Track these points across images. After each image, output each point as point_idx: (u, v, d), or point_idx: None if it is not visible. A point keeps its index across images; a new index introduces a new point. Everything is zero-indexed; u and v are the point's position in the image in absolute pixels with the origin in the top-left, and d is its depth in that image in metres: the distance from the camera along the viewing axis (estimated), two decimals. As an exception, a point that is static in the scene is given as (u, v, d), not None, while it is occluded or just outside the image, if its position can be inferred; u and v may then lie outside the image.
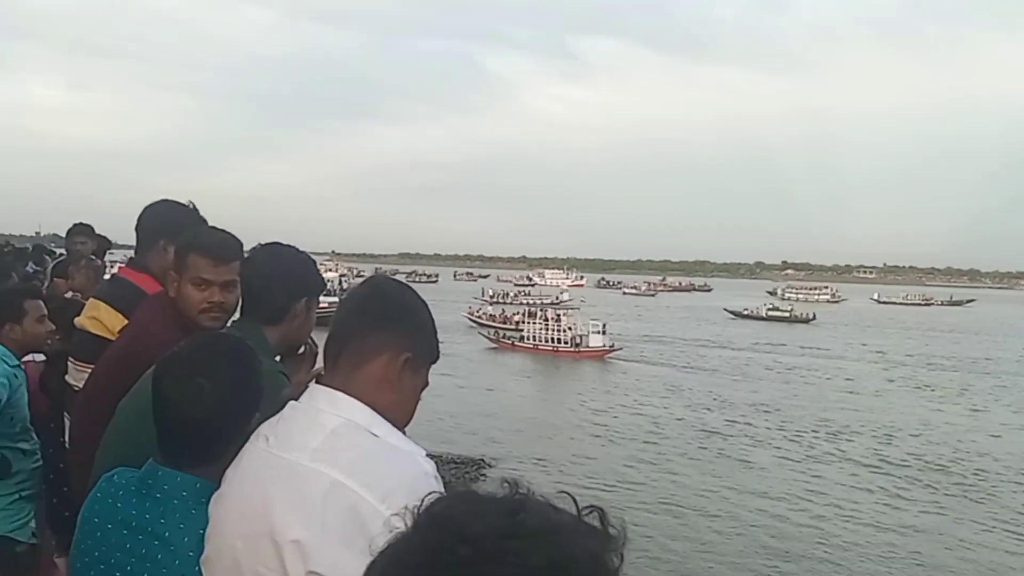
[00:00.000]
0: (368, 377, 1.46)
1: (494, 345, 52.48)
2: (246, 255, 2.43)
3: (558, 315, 53.97)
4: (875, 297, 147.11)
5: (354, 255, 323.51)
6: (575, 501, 0.74)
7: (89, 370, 2.85)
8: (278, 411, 1.55)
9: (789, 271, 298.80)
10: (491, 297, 66.99)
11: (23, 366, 3.47)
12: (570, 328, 50.64)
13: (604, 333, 50.22)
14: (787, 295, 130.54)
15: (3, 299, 3.62)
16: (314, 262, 2.44)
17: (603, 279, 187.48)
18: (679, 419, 31.56)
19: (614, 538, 0.72)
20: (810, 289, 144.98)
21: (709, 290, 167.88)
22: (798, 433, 29.83)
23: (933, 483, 24.01)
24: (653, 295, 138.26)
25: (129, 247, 3.23)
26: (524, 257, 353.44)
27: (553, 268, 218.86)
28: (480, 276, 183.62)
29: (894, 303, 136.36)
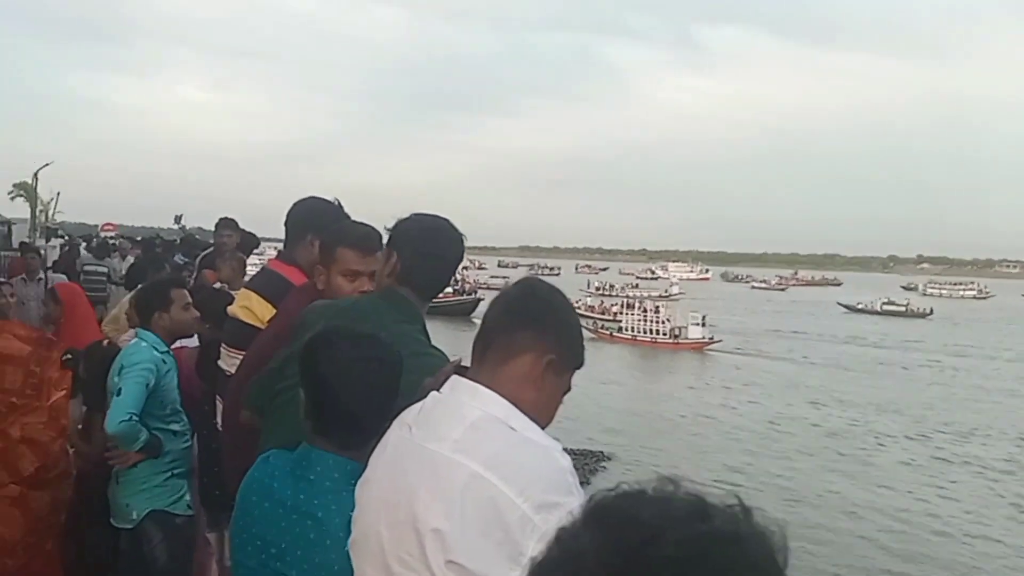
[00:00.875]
0: (512, 374, 1.49)
1: (592, 336, 51.14)
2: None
3: (656, 307, 53.42)
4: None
5: (475, 248, 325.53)
6: (742, 503, 0.74)
7: (240, 356, 3.01)
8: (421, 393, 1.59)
9: (924, 265, 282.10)
10: (596, 289, 66.08)
11: (172, 352, 3.65)
12: (668, 320, 50.30)
13: (703, 325, 49.40)
14: (928, 291, 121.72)
15: (152, 289, 3.80)
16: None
17: (730, 272, 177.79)
18: (789, 415, 30.52)
19: (782, 540, 0.72)
20: (954, 284, 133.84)
21: (839, 284, 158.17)
22: (921, 434, 28.21)
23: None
24: (783, 289, 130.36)
25: (273, 240, 3.37)
26: (644, 250, 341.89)
27: (675, 261, 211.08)
28: (600, 269, 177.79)
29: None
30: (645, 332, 50.63)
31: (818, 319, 70.23)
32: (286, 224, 3.13)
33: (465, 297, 62.76)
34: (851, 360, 45.39)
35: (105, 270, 11.41)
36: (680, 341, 48.66)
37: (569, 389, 1.58)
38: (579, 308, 61.95)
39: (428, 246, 2.24)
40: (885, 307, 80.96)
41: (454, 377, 1.54)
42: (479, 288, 74.66)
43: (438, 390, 1.54)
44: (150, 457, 3.43)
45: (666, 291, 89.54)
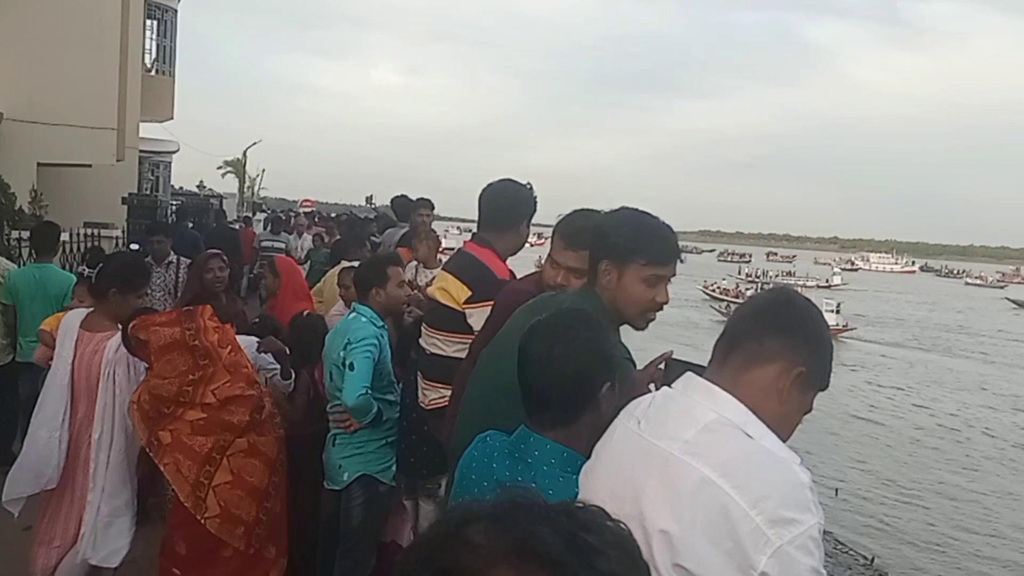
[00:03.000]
0: (757, 381, 1.43)
1: (722, 318, 50.18)
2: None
3: None
4: None
5: None
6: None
7: (438, 335, 3.12)
8: (625, 396, 1.57)
9: None
10: (747, 276, 63.78)
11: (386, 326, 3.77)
12: None
13: (838, 312, 48.74)
14: None
15: (370, 266, 3.90)
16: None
17: (943, 266, 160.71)
18: (934, 408, 29.72)
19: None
20: None
21: None
22: None
23: None
24: (1003, 287, 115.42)
25: (457, 220, 3.36)
26: (836, 238, 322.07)
27: (872, 251, 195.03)
28: (790, 257, 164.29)
29: None
30: None
31: (994, 315, 68.28)
32: (481, 206, 3.14)
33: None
34: (977, 348, 46.88)
35: (282, 245, 11.90)
36: None
37: (811, 409, 1.50)
38: (714, 291, 62.98)
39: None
40: None
41: (688, 375, 1.51)
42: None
43: (651, 384, 1.53)
44: (372, 425, 3.62)
45: (827, 281, 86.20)
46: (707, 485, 1.30)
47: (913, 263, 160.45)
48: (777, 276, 69.22)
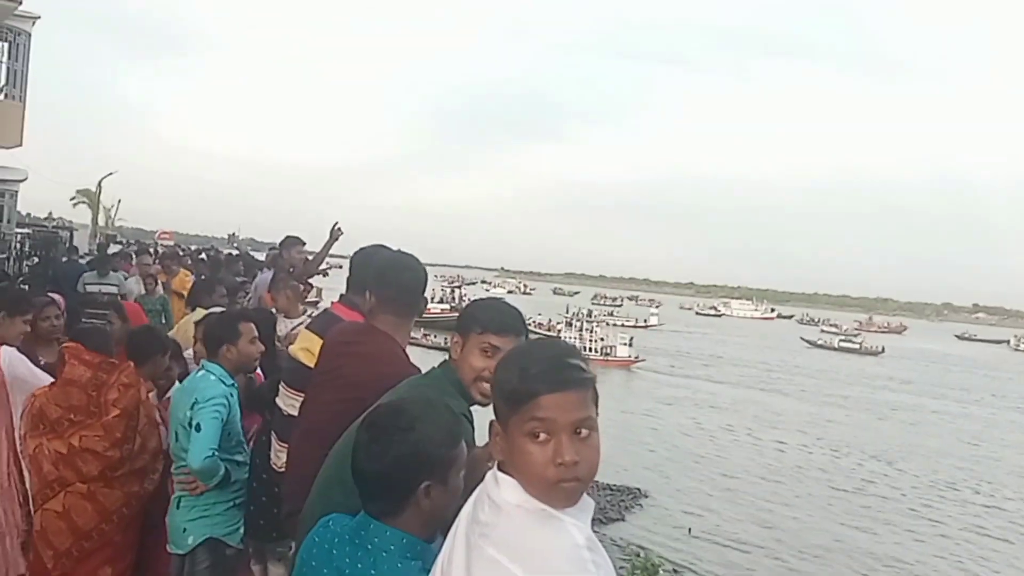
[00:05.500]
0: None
1: None
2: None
3: (592, 327, 60.39)
4: None
5: (521, 272, 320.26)
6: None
7: (299, 397, 2.98)
8: (471, 478, 1.62)
9: (980, 314, 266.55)
10: (573, 315, 66.82)
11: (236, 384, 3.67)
12: (602, 339, 57.49)
13: (630, 346, 56.92)
14: (1022, 346, 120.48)
15: (221, 322, 3.83)
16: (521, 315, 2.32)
17: (806, 315, 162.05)
18: (694, 425, 34.98)
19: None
20: None
21: (902, 332, 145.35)
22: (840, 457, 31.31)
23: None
24: (856, 335, 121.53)
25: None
26: (692, 283, 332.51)
27: (723, 296, 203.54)
28: (656, 304, 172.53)
29: None
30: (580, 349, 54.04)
31: (781, 352, 77.13)
32: (351, 268, 3.12)
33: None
34: (758, 377, 54.78)
35: (114, 289, 8.72)
36: (609, 358, 54.49)
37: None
38: (529, 324, 64.03)
39: (391, 276, 2.62)
40: (842, 344, 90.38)
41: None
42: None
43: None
44: (220, 487, 3.50)
45: (644, 320, 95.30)
46: (494, 565, 1.35)
47: (773, 310, 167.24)
48: (600, 315, 74.50)
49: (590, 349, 54.23)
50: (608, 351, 55.81)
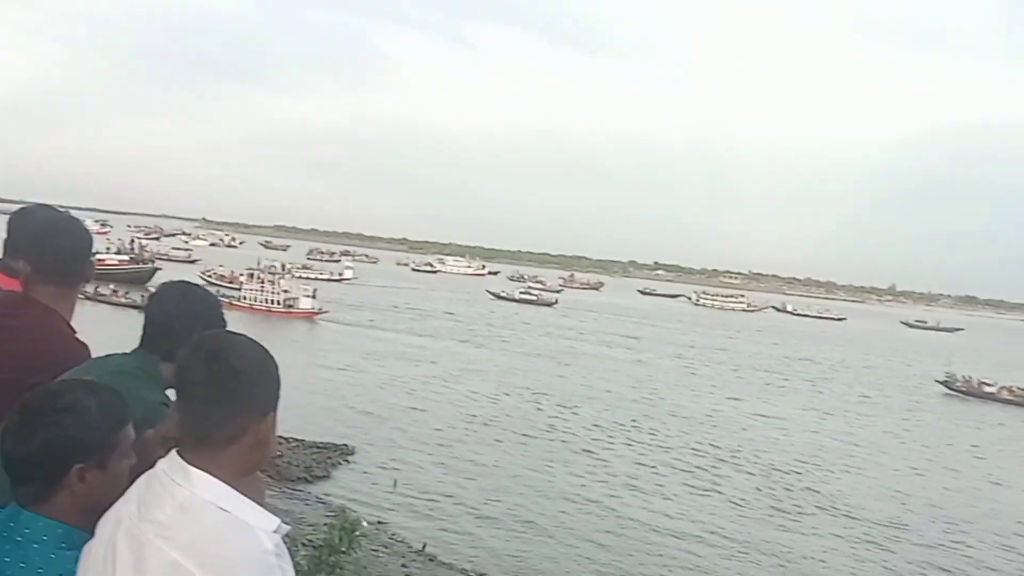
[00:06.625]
0: (237, 453, 1.47)
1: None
2: (153, 290, 2.35)
3: (274, 279, 59.58)
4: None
5: (227, 223, 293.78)
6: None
7: None
8: (143, 461, 1.62)
9: (660, 271, 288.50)
10: (268, 268, 64.66)
11: None
12: (285, 291, 57.39)
13: (314, 298, 58.32)
14: (702, 301, 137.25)
15: None
16: (220, 303, 2.27)
17: (518, 272, 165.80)
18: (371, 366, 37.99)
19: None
20: (725, 297, 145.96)
21: (599, 288, 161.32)
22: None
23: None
24: (560, 291, 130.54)
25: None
26: (405, 239, 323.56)
27: (435, 252, 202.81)
28: (371, 260, 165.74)
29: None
30: (261, 301, 57.21)
31: (474, 304, 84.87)
32: (8, 229, 2.53)
33: (142, 266, 64.69)
34: (455, 329, 59.49)
35: None
36: (292, 310, 56.16)
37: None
38: (210, 276, 66.70)
39: (47, 242, 2.30)
40: (522, 295, 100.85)
41: (172, 453, 1.49)
42: (158, 258, 74.97)
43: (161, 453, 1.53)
44: None
45: (340, 274, 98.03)
46: (175, 568, 1.34)
47: (484, 267, 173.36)
48: (291, 270, 73.03)
49: (274, 302, 55.75)
50: (291, 303, 56.54)
